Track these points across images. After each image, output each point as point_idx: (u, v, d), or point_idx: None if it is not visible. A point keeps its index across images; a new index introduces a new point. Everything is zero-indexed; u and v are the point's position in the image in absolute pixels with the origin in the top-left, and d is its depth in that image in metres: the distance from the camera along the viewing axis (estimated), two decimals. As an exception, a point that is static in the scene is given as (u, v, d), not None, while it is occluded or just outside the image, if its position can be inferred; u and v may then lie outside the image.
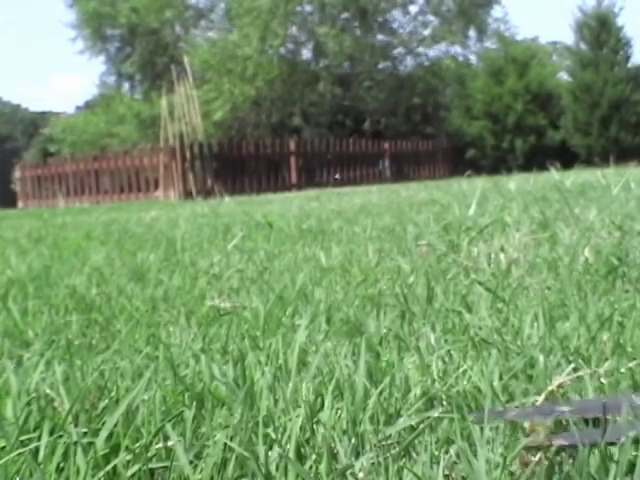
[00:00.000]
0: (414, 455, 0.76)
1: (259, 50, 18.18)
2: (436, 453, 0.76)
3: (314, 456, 0.76)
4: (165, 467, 0.78)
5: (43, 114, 37.72)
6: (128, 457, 0.78)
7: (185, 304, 1.65)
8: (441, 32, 20.22)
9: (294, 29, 19.68)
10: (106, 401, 0.92)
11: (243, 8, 18.54)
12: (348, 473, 0.73)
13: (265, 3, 18.04)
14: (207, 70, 18.43)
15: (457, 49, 21.06)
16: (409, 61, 20.92)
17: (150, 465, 0.77)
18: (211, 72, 18.47)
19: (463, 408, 0.86)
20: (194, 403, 0.91)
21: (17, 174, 15.92)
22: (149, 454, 0.79)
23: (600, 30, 16.56)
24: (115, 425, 0.82)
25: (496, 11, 25.84)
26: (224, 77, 18.28)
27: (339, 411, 0.88)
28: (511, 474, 0.72)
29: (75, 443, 0.79)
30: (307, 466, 0.76)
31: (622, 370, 0.95)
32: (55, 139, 21.99)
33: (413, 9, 20.66)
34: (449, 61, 20.35)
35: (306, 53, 20.18)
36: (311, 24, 19.53)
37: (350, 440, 0.80)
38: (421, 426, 0.80)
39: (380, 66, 20.20)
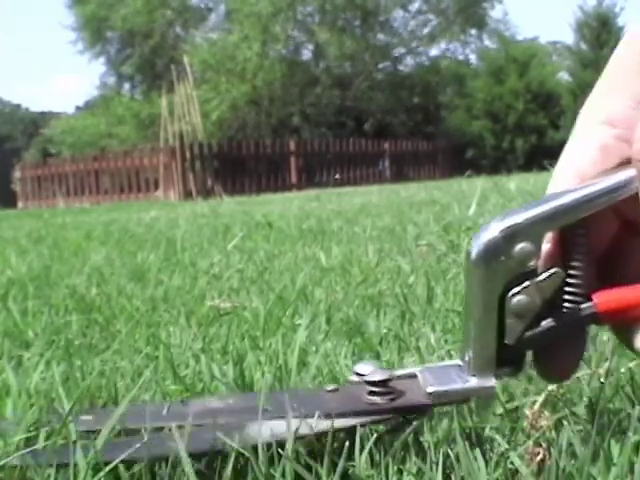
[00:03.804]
0: (414, 455, 0.76)
1: (260, 54, 18.20)
2: (436, 453, 0.76)
3: (313, 455, 0.76)
4: (165, 467, 0.78)
5: (43, 114, 37.76)
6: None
7: (185, 304, 1.65)
8: (440, 29, 20.25)
9: (294, 30, 19.71)
10: (106, 401, 0.92)
11: (243, 13, 18.55)
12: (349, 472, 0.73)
13: (265, 7, 18.04)
14: (206, 70, 18.46)
15: (457, 48, 21.13)
16: (409, 61, 20.99)
17: (150, 465, 0.77)
18: (210, 72, 18.49)
19: (462, 407, 0.86)
20: (194, 403, 0.91)
21: (17, 174, 15.91)
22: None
23: (601, 30, 16.57)
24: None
25: (496, 11, 25.87)
26: (222, 76, 18.30)
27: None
28: (512, 473, 0.72)
29: (75, 443, 0.79)
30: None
31: (622, 370, 0.95)
32: (55, 141, 22.01)
33: (413, 7, 20.73)
34: (449, 60, 20.39)
35: (306, 53, 20.23)
36: (311, 24, 19.55)
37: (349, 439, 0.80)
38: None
39: (380, 66, 20.22)
